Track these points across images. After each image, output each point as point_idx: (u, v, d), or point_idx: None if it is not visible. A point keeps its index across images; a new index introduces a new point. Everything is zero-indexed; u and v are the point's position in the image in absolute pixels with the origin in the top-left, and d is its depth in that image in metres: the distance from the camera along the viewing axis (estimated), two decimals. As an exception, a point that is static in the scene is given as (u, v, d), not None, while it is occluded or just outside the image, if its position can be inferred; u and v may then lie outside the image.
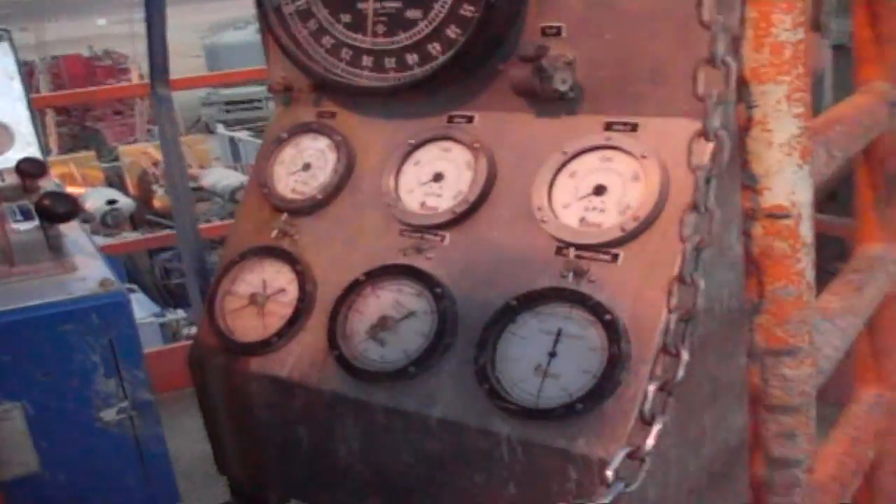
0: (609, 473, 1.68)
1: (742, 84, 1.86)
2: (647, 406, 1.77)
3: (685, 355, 1.80)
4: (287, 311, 2.89)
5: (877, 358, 2.72)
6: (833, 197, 4.08)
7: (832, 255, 2.14)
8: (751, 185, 1.90)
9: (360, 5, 2.93)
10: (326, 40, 3.01)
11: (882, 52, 2.57)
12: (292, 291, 2.90)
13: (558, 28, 2.66)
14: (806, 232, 1.90)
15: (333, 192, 2.99)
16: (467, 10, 2.73)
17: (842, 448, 2.51)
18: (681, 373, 1.78)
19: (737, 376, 2.45)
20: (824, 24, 3.80)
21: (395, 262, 2.76)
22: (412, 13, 2.84)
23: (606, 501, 1.64)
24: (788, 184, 1.88)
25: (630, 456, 1.72)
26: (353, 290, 2.77)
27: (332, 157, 3.03)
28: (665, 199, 2.46)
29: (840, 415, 2.64)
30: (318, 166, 3.05)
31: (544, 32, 2.68)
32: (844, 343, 2.25)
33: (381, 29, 2.91)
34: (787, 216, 1.89)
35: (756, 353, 1.95)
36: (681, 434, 2.49)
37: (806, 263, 1.91)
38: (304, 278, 2.90)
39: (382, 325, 2.69)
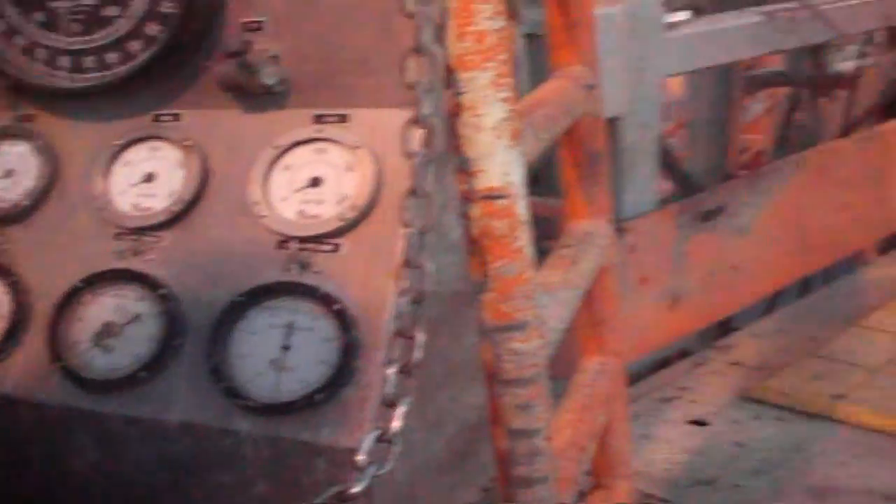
0: (361, 458, 1.70)
1: (449, 72, 1.92)
2: (389, 389, 1.81)
3: (420, 336, 1.84)
4: (2, 325, 2.76)
5: (595, 328, 2.84)
6: (536, 180, 4.24)
7: (542, 235, 2.24)
8: (465, 168, 1.95)
9: (53, 3, 2.84)
10: (19, 40, 2.90)
11: (574, 38, 2.68)
12: (6, 304, 2.77)
13: (259, 23, 2.67)
14: (522, 211, 1.97)
15: (40, 197, 2.88)
16: (167, 7, 2.70)
17: (575, 415, 2.60)
18: (418, 354, 1.83)
19: (468, 356, 2.54)
20: (517, 13, 3.93)
21: (114, 266, 2.71)
22: (109, 10, 2.78)
23: (361, 487, 1.67)
24: (501, 165, 1.94)
25: (378, 439, 1.75)
26: (71, 297, 2.68)
27: (34, 161, 2.92)
28: (381, 188, 2.53)
29: (568, 385, 2.75)
30: (20, 171, 2.93)
31: (247, 27, 2.69)
32: (567, 314, 2.36)
33: (76, 27, 2.83)
34: (502, 196, 1.95)
35: (486, 330, 2.01)
36: (420, 415, 2.55)
37: (524, 241, 1.98)
38: (17, 289, 2.77)
39: (107, 332, 2.62)
